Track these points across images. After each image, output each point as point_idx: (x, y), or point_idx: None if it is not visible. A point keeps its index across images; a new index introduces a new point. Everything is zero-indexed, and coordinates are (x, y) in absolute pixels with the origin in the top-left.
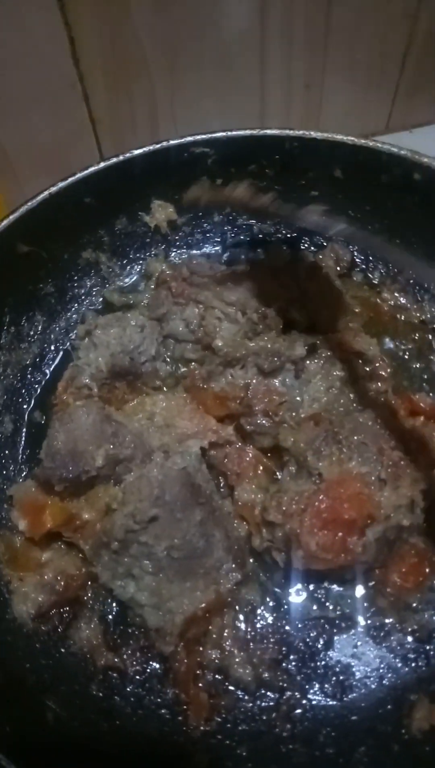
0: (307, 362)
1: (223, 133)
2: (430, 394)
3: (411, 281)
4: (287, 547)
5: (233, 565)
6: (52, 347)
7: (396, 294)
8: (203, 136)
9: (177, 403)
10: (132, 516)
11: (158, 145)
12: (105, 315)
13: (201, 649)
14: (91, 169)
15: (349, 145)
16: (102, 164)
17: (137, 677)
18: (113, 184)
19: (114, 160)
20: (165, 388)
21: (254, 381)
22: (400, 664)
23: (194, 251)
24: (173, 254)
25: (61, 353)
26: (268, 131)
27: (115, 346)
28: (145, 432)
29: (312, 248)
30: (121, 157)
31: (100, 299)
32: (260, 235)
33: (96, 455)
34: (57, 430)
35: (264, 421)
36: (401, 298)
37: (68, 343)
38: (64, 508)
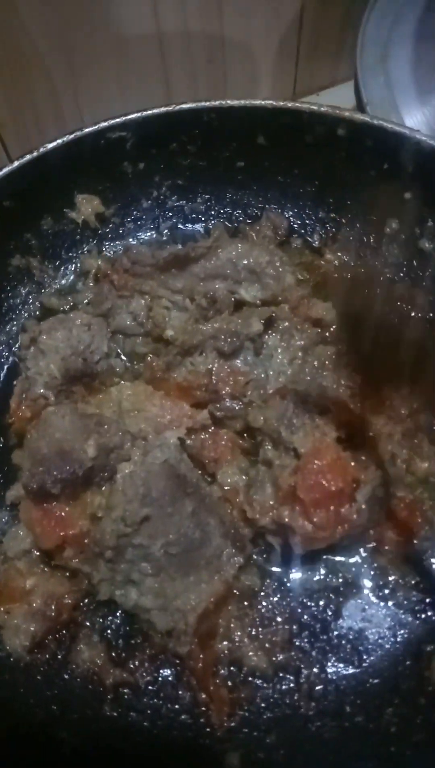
0: (266, 337)
1: (138, 114)
2: None
3: (350, 238)
4: (280, 531)
5: (233, 550)
6: None
7: (338, 254)
8: (118, 120)
9: (144, 389)
10: (122, 520)
11: (72, 136)
12: (46, 320)
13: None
14: (5, 169)
15: (268, 108)
16: (15, 163)
17: (150, 687)
18: (31, 182)
19: (27, 157)
20: (126, 383)
21: (216, 365)
22: (410, 618)
23: (128, 241)
24: (107, 247)
25: (5, 369)
26: (184, 105)
27: (64, 349)
28: (121, 420)
29: (248, 220)
30: (35, 153)
31: (38, 306)
32: (193, 215)
33: (86, 447)
34: (36, 439)
35: (233, 405)
36: (344, 257)
37: (11, 358)
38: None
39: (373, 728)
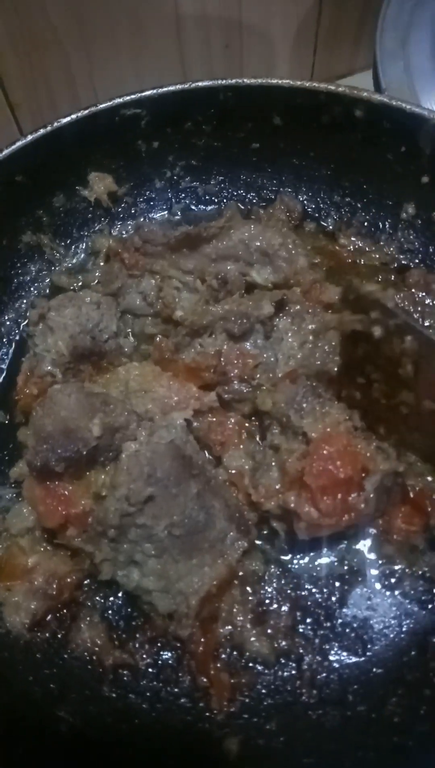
0: (276, 320)
1: (154, 91)
2: None
3: (365, 223)
4: (285, 516)
5: (238, 534)
6: (4, 341)
7: (353, 238)
8: (133, 96)
9: (152, 369)
10: (126, 499)
11: (86, 111)
12: (55, 297)
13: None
14: (18, 143)
15: (285, 88)
16: (29, 137)
17: (150, 670)
18: (44, 158)
19: (42, 131)
20: (134, 363)
21: (225, 347)
22: (416, 609)
23: (140, 221)
24: (118, 227)
25: (13, 346)
26: (200, 83)
27: (73, 327)
28: (127, 400)
29: (261, 203)
30: (48, 128)
31: (48, 284)
32: (206, 196)
33: (91, 426)
34: (41, 417)
35: (241, 387)
36: (359, 242)
37: (20, 335)
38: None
39: (375, 718)
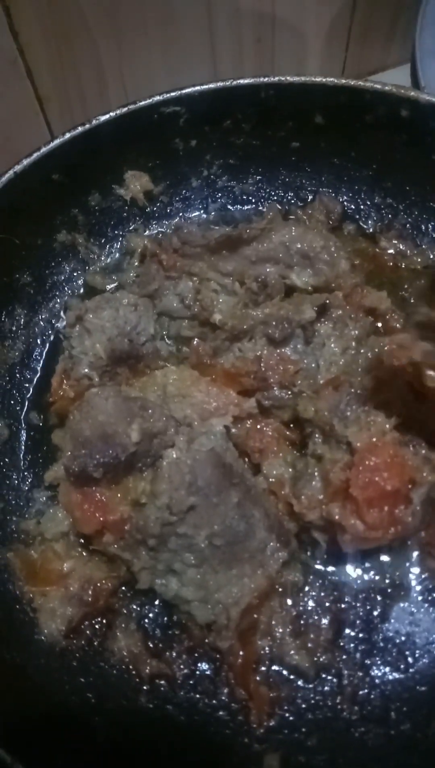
0: (317, 325)
1: (194, 88)
2: None
3: (407, 226)
4: (328, 528)
5: (278, 544)
6: (39, 341)
7: (394, 241)
8: (173, 94)
9: (190, 374)
10: (167, 508)
11: (126, 108)
12: (92, 298)
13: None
14: (56, 141)
15: (330, 86)
16: (67, 135)
17: (188, 681)
18: (81, 156)
19: (80, 129)
20: (171, 366)
21: (265, 352)
22: None
23: (176, 221)
24: (153, 227)
25: (48, 346)
26: (242, 81)
27: (110, 329)
28: (165, 405)
29: (299, 203)
30: (87, 126)
31: (82, 284)
32: (243, 196)
33: (130, 431)
34: (79, 421)
35: (282, 394)
36: (400, 245)
37: (53, 336)
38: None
39: (420, 738)
